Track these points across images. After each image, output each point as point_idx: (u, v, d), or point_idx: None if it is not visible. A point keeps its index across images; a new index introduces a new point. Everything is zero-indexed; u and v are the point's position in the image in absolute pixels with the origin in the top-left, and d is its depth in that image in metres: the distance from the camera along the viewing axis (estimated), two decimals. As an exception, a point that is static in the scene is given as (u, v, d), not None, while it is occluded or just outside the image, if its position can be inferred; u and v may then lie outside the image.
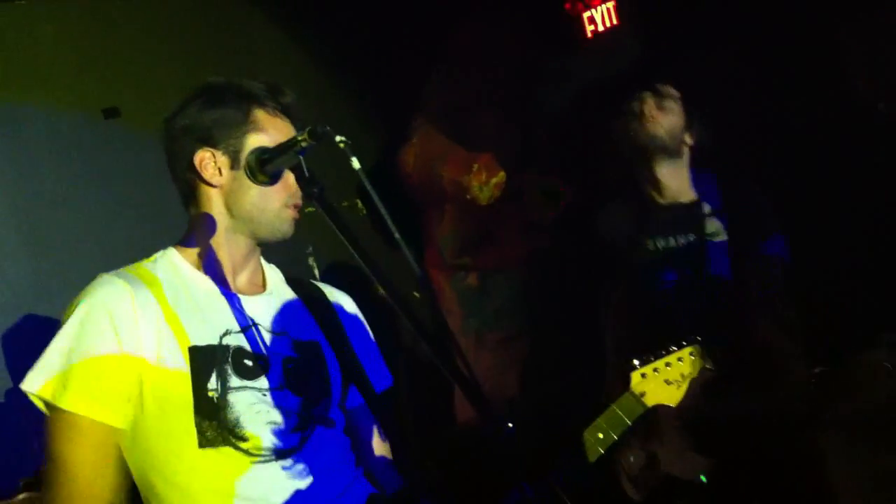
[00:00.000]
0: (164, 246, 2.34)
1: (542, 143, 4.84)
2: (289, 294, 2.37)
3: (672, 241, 3.58)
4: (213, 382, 2.07)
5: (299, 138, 1.83)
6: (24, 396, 3.71)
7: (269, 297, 2.31)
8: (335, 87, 4.75)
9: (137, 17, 4.16)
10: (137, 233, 3.74)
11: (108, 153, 3.92)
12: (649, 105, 3.64)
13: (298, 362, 2.22)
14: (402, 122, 4.86)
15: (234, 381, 2.11)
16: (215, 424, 2.06)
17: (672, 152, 3.62)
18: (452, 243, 4.75)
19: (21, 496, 3.05)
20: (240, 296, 2.23)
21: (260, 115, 2.14)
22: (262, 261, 2.38)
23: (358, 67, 4.80)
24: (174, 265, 2.23)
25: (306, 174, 1.82)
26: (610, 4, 4.93)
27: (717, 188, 3.62)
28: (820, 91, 4.08)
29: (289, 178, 2.08)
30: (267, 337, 2.19)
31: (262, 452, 2.06)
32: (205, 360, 2.09)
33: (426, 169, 4.69)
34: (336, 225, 1.77)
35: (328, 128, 1.76)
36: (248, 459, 2.04)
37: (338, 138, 1.71)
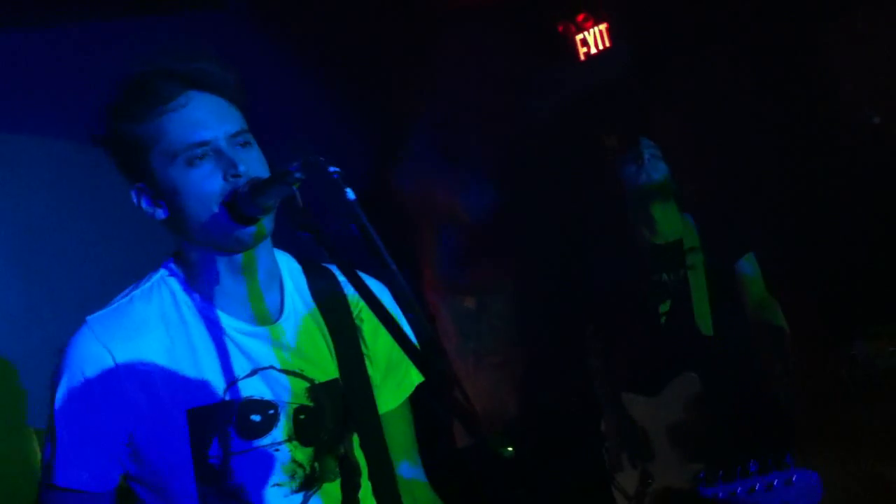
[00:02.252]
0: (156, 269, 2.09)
1: (532, 160, 4.85)
2: (306, 313, 2.07)
3: (665, 277, 3.81)
4: (214, 449, 1.92)
5: (292, 170, 1.76)
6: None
7: (285, 324, 2.03)
8: (328, 108, 4.74)
9: (129, 43, 4.16)
10: (130, 259, 3.71)
11: (100, 180, 3.89)
12: (650, 150, 3.81)
13: (312, 411, 2.01)
14: (394, 140, 4.86)
15: (238, 444, 1.94)
16: (217, 491, 1.94)
17: (667, 195, 3.82)
18: (449, 265, 4.74)
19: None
20: (249, 329, 2.00)
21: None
22: (278, 258, 2.09)
23: (350, 87, 4.80)
24: (171, 293, 2.00)
25: (300, 206, 1.77)
26: (602, 27, 4.96)
27: (695, 226, 3.87)
28: (810, 104, 4.14)
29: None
30: (278, 380, 1.99)
31: None
32: (205, 425, 1.92)
33: (421, 191, 4.69)
34: (331, 254, 1.74)
35: (321, 158, 1.71)
36: None
37: (331, 169, 1.67)
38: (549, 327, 4.51)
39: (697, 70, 4.60)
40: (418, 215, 4.78)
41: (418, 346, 1.71)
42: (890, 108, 3.99)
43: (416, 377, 2.17)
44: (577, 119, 4.81)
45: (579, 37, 5.06)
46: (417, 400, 2.23)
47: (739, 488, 2.42)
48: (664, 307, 3.80)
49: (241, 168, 1.87)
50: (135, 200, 1.99)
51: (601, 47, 4.98)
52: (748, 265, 3.81)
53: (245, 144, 1.93)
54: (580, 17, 5.04)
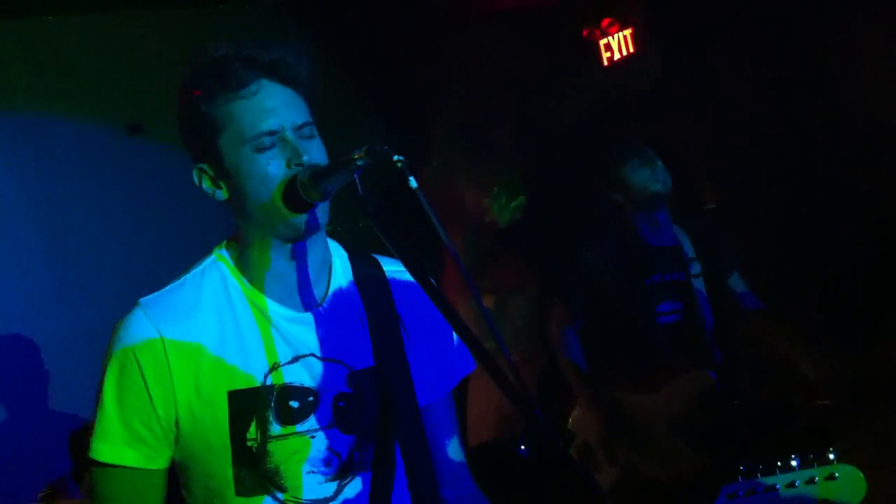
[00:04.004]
0: (185, 260, 2.13)
1: (558, 162, 4.89)
2: (349, 300, 2.10)
3: (665, 278, 3.93)
4: (252, 431, 1.95)
5: (355, 157, 1.79)
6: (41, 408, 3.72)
7: (328, 312, 2.07)
8: (354, 106, 4.79)
9: (161, 34, 4.20)
10: (160, 245, 3.77)
11: (133, 166, 3.95)
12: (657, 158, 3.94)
13: (351, 398, 2.03)
14: (420, 141, 4.90)
15: (276, 428, 1.97)
16: (253, 474, 1.96)
17: (667, 201, 3.96)
18: (470, 264, 4.77)
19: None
20: (293, 315, 2.03)
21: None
22: (332, 247, 2.11)
23: (377, 86, 4.84)
24: (221, 277, 2.05)
25: (360, 192, 1.80)
26: (627, 32, 4.99)
27: (687, 237, 4.02)
28: (817, 106, 4.20)
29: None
30: (318, 367, 2.02)
31: (301, 503, 1.98)
32: (245, 407, 1.96)
33: (447, 189, 4.72)
34: (390, 242, 1.77)
35: (386, 147, 1.75)
36: None
37: (396, 157, 1.71)
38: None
39: (707, 77, 4.65)
40: (441, 215, 4.81)
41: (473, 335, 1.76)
42: (889, 111, 4.03)
43: (461, 368, 2.19)
44: (600, 123, 4.85)
45: (603, 42, 5.10)
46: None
47: (779, 483, 2.42)
48: (663, 307, 3.91)
49: (305, 158, 1.91)
50: (196, 180, 2.03)
51: (625, 53, 5.01)
52: (738, 283, 3.99)
53: (310, 137, 1.97)
54: (605, 23, 5.07)
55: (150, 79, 4.05)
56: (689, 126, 4.79)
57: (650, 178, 3.87)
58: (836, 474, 2.43)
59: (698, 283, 3.96)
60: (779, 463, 2.45)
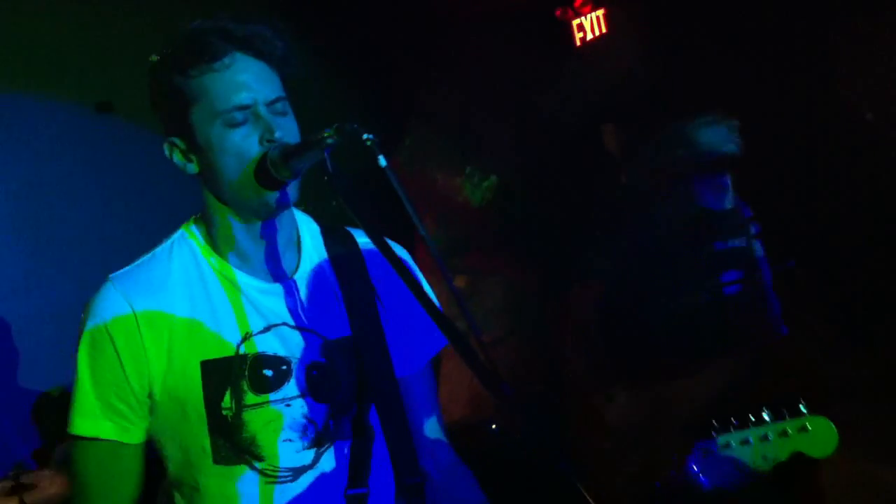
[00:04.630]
0: (158, 238, 2.16)
1: (536, 147, 4.89)
2: (322, 272, 2.12)
3: (728, 245, 3.65)
4: (227, 401, 1.98)
5: (325, 135, 1.80)
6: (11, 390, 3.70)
7: (300, 282, 2.08)
8: (330, 90, 4.77)
9: (132, 11, 4.17)
10: (132, 223, 3.75)
11: (103, 145, 3.92)
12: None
13: (325, 368, 2.05)
14: (397, 125, 4.89)
15: (251, 397, 1.99)
16: (230, 443, 1.99)
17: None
18: (442, 245, 4.78)
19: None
20: (264, 286, 2.05)
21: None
22: (299, 221, 2.13)
23: (353, 70, 4.83)
24: (190, 251, 2.07)
25: (330, 170, 1.81)
26: (600, 13, 4.98)
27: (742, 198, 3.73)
28: (809, 99, 4.16)
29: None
30: (291, 336, 2.04)
31: (278, 472, 2.00)
32: (219, 377, 1.98)
33: (420, 170, 4.73)
34: (360, 221, 1.78)
35: (356, 125, 1.75)
36: (262, 479, 1.99)
37: (365, 136, 1.72)
38: (541, 310, 4.56)
39: (689, 65, 4.64)
40: (418, 198, 4.82)
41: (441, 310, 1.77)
42: (888, 109, 4.04)
43: (439, 340, 2.22)
44: (575, 107, 4.84)
45: (576, 22, 5.08)
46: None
47: (751, 437, 2.39)
48: (727, 276, 3.64)
49: (278, 134, 1.93)
50: (167, 153, 2.04)
51: (598, 33, 4.99)
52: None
53: (283, 113, 1.98)
54: (578, 3, 5.06)
55: (119, 56, 4.03)
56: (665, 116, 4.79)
57: (725, 138, 3.65)
58: (809, 426, 2.41)
59: (757, 247, 3.67)
60: (751, 417, 2.42)
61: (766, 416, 2.42)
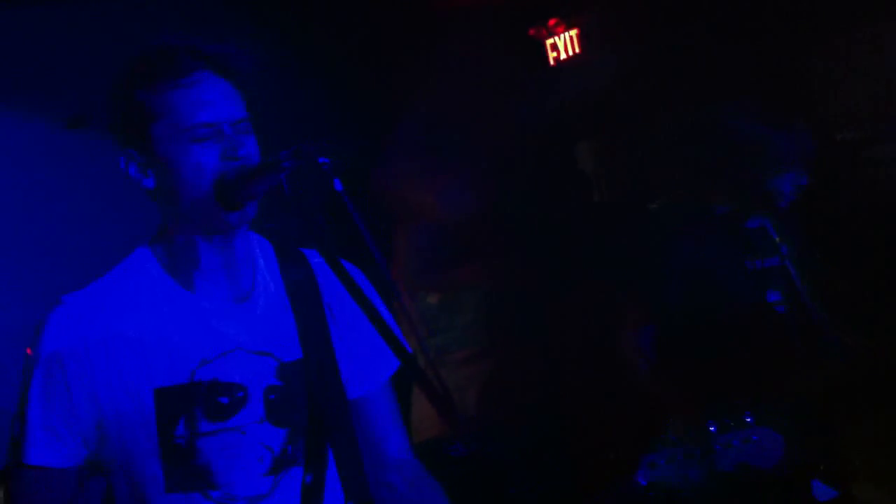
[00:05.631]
0: (125, 254, 2.13)
1: (513, 162, 4.91)
2: (276, 294, 2.10)
3: (765, 264, 3.50)
4: (180, 429, 1.95)
5: (281, 159, 1.77)
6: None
7: (254, 305, 2.06)
8: (309, 101, 4.77)
9: (105, 25, 4.16)
10: (106, 239, 3.71)
11: (74, 159, 3.90)
12: None
13: (282, 391, 2.03)
14: (373, 138, 4.90)
15: (205, 425, 1.96)
16: (183, 471, 1.95)
17: None
18: (417, 262, 4.78)
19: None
20: (219, 309, 2.03)
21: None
22: (254, 242, 2.12)
23: (332, 82, 4.83)
24: (146, 273, 2.04)
25: (287, 193, 1.80)
26: (573, 33, 5.02)
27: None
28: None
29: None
30: (247, 361, 2.01)
31: (235, 500, 1.98)
32: (172, 404, 1.95)
33: (400, 186, 4.73)
34: (315, 241, 1.79)
35: (311, 148, 1.74)
36: None
37: (320, 160, 1.72)
38: (517, 327, 4.56)
39: (669, 82, 4.67)
40: (392, 211, 4.82)
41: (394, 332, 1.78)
42: (872, 124, 4.07)
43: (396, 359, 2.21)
44: (549, 123, 4.86)
45: (549, 41, 5.12)
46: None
47: (698, 450, 2.42)
48: (771, 297, 3.46)
49: (241, 152, 1.93)
50: (122, 166, 2.02)
51: (571, 53, 5.04)
52: None
53: (246, 132, 1.98)
54: (552, 22, 5.10)
55: (90, 70, 4.01)
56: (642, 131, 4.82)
57: (801, 144, 3.40)
58: (755, 437, 2.44)
59: (791, 267, 3.51)
60: (700, 430, 2.46)
61: (711, 429, 2.46)
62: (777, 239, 3.51)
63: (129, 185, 2.15)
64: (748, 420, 2.47)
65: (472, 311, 4.79)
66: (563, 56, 5.06)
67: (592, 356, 3.97)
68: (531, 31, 5.12)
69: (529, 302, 4.48)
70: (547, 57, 5.10)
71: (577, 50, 5.01)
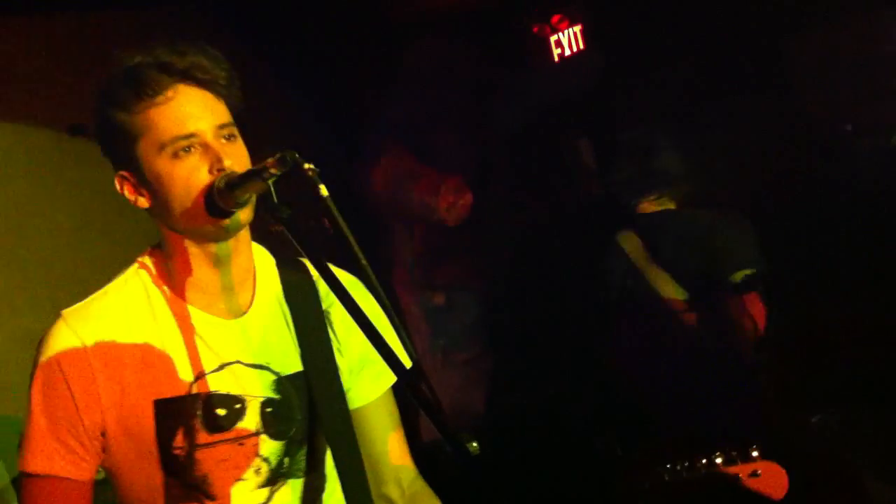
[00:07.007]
0: (128, 264, 2.13)
1: (502, 163, 4.91)
2: (276, 306, 2.11)
3: None
4: (179, 440, 1.97)
5: (267, 165, 1.77)
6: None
7: (254, 317, 2.07)
8: (296, 105, 4.77)
9: (105, 35, 4.17)
10: (105, 248, 3.73)
11: (77, 168, 3.91)
12: None
13: (279, 404, 2.04)
14: (368, 140, 4.90)
15: (204, 437, 1.98)
16: (182, 482, 1.97)
17: None
18: (420, 263, 4.79)
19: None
20: (218, 323, 2.04)
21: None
22: (254, 253, 2.12)
23: (319, 85, 4.83)
24: (144, 286, 2.05)
25: (275, 200, 1.81)
26: (577, 29, 5.02)
27: None
28: (776, 113, 4.20)
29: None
30: (245, 374, 2.02)
31: None
32: (171, 416, 1.97)
33: (395, 189, 4.74)
34: (304, 249, 1.78)
35: (297, 154, 1.74)
36: None
37: (306, 165, 1.71)
38: (517, 326, 4.56)
39: (664, 78, 4.66)
40: (390, 214, 4.83)
41: (387, 341, 1.76)
42: (857, 118, 4.05)
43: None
44: (549, 120, 4.87)
45: (553, 38, 5.12)
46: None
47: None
48: None
49: (227, 162, 1.92)
50: (118, 187, 2.03)
51: (575, 49, 5.03)
52: None
53: (231, 137, 1.97)
54: (555, 19, 5.09)
55: (91, 79, 4.02)
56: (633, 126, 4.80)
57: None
58: (759, 471, 2.44)
59: None
60: (703, 461, 2.46)
61: (717, 460, 2.45)
62: None
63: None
64: (754, 454, 2.47)
65: (471, 314, 4.80)
66: (567, 52, 5.06)
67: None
68: (535, 29, 5.12)
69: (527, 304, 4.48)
70: (551, 54, 5.09)
71: (582, 46, 5.01)
